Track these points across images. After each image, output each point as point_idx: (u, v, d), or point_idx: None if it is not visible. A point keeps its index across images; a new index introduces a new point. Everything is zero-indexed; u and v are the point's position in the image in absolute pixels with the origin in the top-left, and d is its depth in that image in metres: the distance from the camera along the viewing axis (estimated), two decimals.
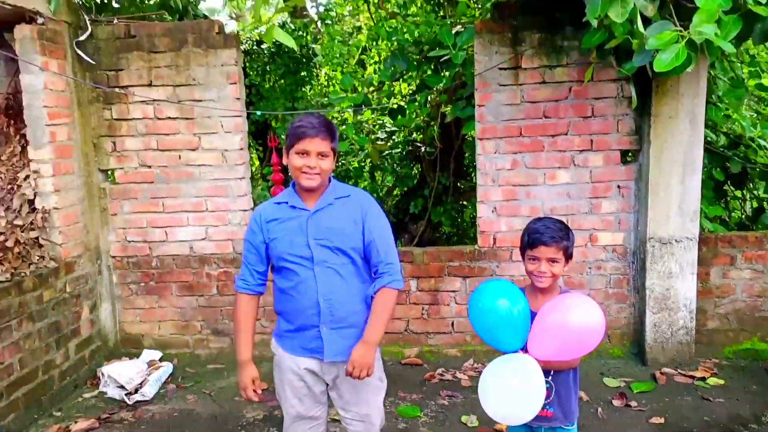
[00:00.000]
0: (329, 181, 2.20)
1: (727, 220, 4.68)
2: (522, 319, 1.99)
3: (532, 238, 2.03)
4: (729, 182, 4.45)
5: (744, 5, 2.77)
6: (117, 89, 3.83)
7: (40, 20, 3.48)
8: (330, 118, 5.57)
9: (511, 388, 1.89)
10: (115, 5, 4.15)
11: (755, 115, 4.58)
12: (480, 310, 2.01)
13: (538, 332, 1.95)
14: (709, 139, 4.19)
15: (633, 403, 3.40)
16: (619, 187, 3.87)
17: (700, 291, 3.87)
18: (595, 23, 2.97)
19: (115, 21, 3.88)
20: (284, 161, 2.15)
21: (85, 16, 3.79)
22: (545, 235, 2.01)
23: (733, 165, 4.21)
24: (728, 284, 3.90)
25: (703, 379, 3.66)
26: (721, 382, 3.62)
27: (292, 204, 2.16)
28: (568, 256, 2.05)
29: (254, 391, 2.19)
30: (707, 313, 3.93)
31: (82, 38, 3.76)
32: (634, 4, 2.75)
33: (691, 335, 3.82)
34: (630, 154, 3.91)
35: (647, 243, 3.75)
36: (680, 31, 2.67)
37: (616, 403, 3.41)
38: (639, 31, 2.85)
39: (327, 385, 2.28)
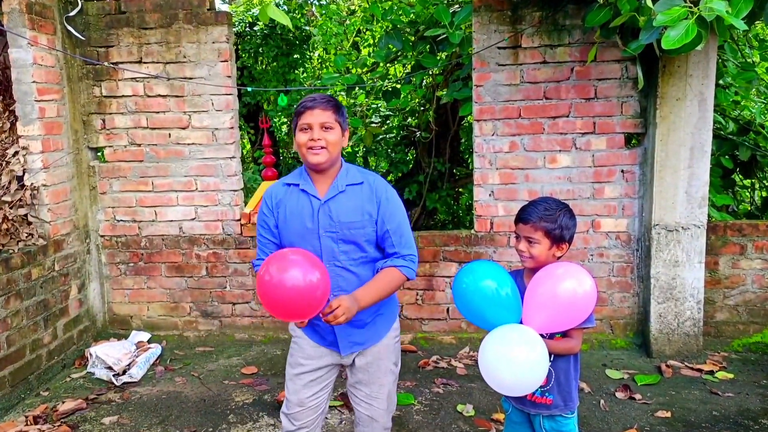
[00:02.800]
0: (341, 165, 1.96)
1: (736, 210, 4.30)
2: (512, 299, 1.78)
3: (517, 214, 1.89)
4: (737, 170, 4.08)
5: None
6: (107, 64, 3.57)
7: None
8: None
9: (516, 357, 1.69)
10: None
11: (764, 102, 4.20)
12: (465, 292, 1.81)
13: (530, 306, 1.74)
14: (717, 125, 3.83)
15: (637, 396, 3.06)
16: (623, 171, 3.52)
17: (708, 281, 3.51)
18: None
19: None
20: (294, 148, 1.95)
21: None
22: (526, 212, 1.85)
23: (742, 152, 3.84)
24: (738, 274, 3.53)
25: (712, 372, 3.29)
26: (730, 376, 3.26)
27: (303, 188, 1.92)
28: (556, 240, 1.83)
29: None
30: (716, 304, 3.57)
31: (72, 14, 3.52)
32: None
33: (699, 327, 3.46)
34: (635, 138, 3.57)
35: (652, 230, 3.40)
36: (690, 7, 2.42)
37: (620, 395, 3.08)
38: (647, 7, 2.60)
39: (340, 367, 2.08)
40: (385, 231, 1.93)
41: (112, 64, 3.60)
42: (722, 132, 3.85)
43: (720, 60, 3.70)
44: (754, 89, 4.04)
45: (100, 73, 3.68)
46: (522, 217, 1.87)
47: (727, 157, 3.88)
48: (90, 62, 3.62)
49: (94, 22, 3.62)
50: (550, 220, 1.83)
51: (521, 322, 1.80)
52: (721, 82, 3.79)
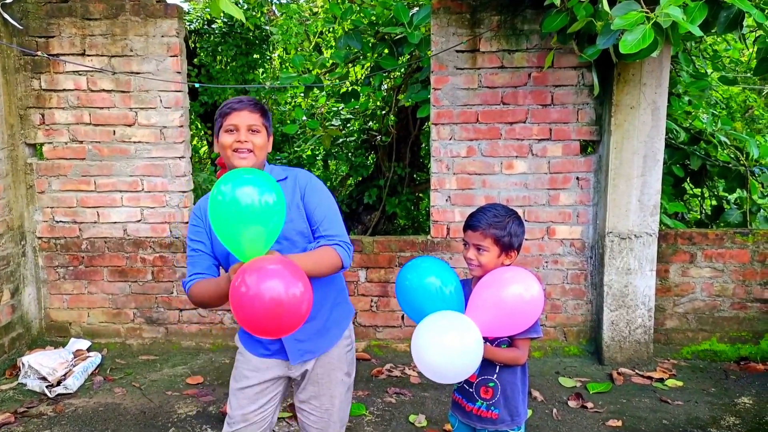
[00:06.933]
0: (264, 165, 1.85)
1: (685, 217, 4.27)
2: (455, 297, 1.70)
3: (465, 221, 1.79)
4: (688, 179, 4.04)
5: None
6: (47, 56, 3.27)
7: None
8: (282, 102, 5.07)
9: (447, 343, 1.58)
10: None
11: (716, 113, 4.18)
12: (408, 288, 1.74)
13: (474, 308, 1.66)
14: (669, 134, 3.78)
15: (589, 404, 2.95)
16: (578, 178, 3.43)
17: (659, 289, 3.44)
18: (557, 2, 2.64)
19: None
20: (216, 150, 1.81)
21: None
22: (474, 218, 1.76)
23: (693, 161, 3.80)
24: (688, 282, 3.47)
25: (662, 380, 3.22)
26: (680, 383, 3.19)
27: None
28: (505, 247, 1.74)
29: None
30: (666, 311, 3.50)
31: (8, 0, 3.21)
32: None
33: (650, 334, 3.38)
34: (590, 146, 3.48)
35: (606, 237, 3.31)
36: (647, 12, 2.37)
37: (572, 403, 2.97)
38: (604, 11, 2.52)
39: (288, 379, 1.90)
40: (315, 219, 1.80)
41: (53, 55, 3.31)
42: (674, 141, 3.81)
43: (674, 70, 3.65)
44: (706, 97, 4.00)
45: (40, 65, 3.38)
46: (470, 223, 1.77)
47: (678, 165, 3.84)
48: (28, 53, 3.32)
49: (34, 11, 3.33)
50: (499, 227, 1.73)
51: None
52: (674, 91, 3.74)
